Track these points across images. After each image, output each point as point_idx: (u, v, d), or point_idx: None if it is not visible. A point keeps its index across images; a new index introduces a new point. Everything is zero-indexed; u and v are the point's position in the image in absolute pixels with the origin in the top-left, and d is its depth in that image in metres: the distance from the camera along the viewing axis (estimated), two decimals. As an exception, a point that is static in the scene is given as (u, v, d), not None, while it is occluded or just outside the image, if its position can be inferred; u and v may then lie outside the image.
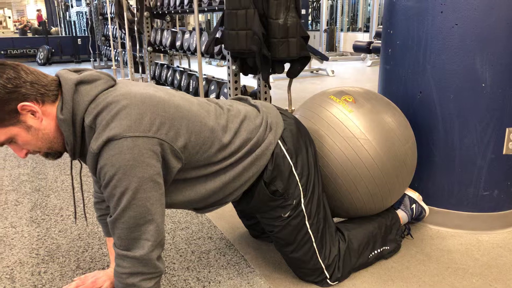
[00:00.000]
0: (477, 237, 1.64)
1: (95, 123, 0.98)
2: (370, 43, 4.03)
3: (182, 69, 4.08)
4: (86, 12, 8.73)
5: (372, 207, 1.45)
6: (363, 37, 8.87)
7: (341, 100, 1.44)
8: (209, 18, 12.30)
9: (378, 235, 1.45)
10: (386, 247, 1.47)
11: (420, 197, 1.64)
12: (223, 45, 2.72)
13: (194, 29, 3.23)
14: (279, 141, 1.22)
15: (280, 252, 1.38)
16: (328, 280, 1.34)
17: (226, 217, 1.85)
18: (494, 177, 1.60)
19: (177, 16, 5.49)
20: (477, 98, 1.53)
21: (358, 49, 4.09)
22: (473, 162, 1.59)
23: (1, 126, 0.97)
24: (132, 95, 1.00)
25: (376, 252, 1.44)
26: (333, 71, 6.63)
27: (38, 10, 19.11)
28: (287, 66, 2.65)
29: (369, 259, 1.42)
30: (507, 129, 1.55)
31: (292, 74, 2.68)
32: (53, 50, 8.81)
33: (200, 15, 12.09)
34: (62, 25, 12.18)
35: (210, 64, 8.57)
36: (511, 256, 1.50)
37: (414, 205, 1.60)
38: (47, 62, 8.60)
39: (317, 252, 1.31)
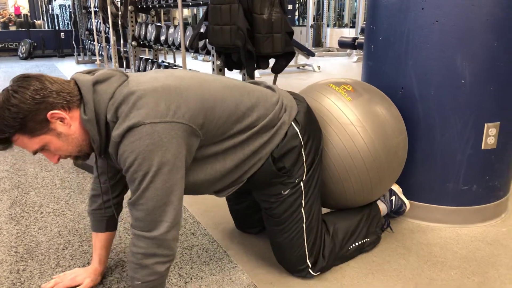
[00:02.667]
0: (457, 230, 1.66)
1: (116, 116, 1.03)
2: (355, 38, 4.04)
3: (167, 63, 4.05)
4: (69, 5, 8.57)
5: (360, 197, 1.46)
6: (349, 33, 8.91)
7: (340, 88, 1.47)
8: (195, 12, 12.19)
9: (360, 227, 1.47)
10: (366, 239, 1.49)
11: (400, 189, 1.66)
12: (207, 40, 2.70)
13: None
14: (292, 123, 1.26)
15: (269, 234, 1.38)
16: (310, 270, 1.35)
17: (210, 213, 1.85)
18: (473, 172, 1.63)
19: (162, 10, 5.43)
20: (457, 94, 1.55)
21: (344, 44, 4.10)
22: (453, 158, 1.62)
23: (34, 135, 1.03)
24: (145, 85, 1.06)
25: (357, 244, 1.45)
26: (319, 67, 6.65)
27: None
28: (272, 61, 2.64)
29: (349, 251, 1.43)
30: (485, 124, 1.58)
31: (277, 70, 2.68)
32: (35, 44, 8.62)
33: (186, 10, 11.98)
34: (45, 19, 11.94)
35: (196, 59, 8.51)
36: (489, 249, 1.53)
37: (393, 197, 1.63)
38: (29, 56, 8.42)
39: (305, 235, 1.31)
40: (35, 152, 1.06)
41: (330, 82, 1.53)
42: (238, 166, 1.20)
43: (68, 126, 1.05)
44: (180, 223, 1.09)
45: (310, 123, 1.31)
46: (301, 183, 1.28)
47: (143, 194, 1.02)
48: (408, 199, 1.67)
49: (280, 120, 1.24)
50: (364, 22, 1.92)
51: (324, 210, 1.52)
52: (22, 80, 1.02)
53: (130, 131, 1.00)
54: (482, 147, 1.60)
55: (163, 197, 1.03)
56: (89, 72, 1.12)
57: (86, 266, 1.41)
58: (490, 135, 1.59)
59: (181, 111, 1.04)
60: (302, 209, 1.30)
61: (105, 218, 1.35)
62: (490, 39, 1.50)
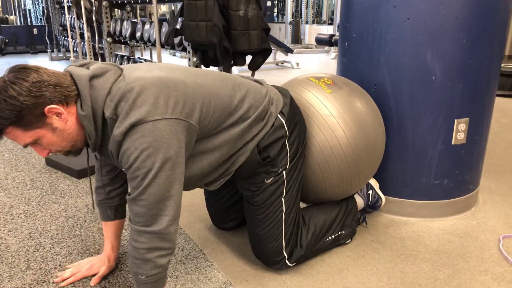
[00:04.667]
0: (429, 224, 1.70)
1: (116, 114, 1.02)
2: (332, 35, 4.07)
3: (143, 60, 3.98)
4: (42, 0, 8.33)
5: (340, 189, 1.48)
6: (327, 30, 8.98)
7: (320, 81, 1.50)
8: (173, 8, 12.04)
9: (337, 221, 1.49)
10: (342, 232, 1.51)
11: (377, 184, 1.69)
12: (183, 36, 2.67)
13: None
14: (278, 115, 1.29)
15: (248, 225, 1.38)
16: (287, 261, 1.36)
17: (185, 212, 1.83)
18: (444, 166, 1.67)
19: (137, 6, 5.34)
20: (428, 91, 1.58)
21: (321, 41, 4.13)
22: (424, 153, 1.65)
23: (29, 129, 1.01)
24: (142, 80, 1.05)
25: (333, 236, 1.47)
26: (297, 64, 6.68)
27: None
28: (248, 58, 2.64)
29: (325, 243, 1.45)
30: (455, 120, 1.61)
31: (253, 67, 2.68)
32: (6, 40, 8.35)
33: (163, 5, 11.81)
34: (17, 14, 11.57)
35: (174, 55, 8.42)
36: (460, 241, 1.58)
37: (370, 191, 1.65)
38: (0, 52, 8.15)
39: (283, 226, 1.33)
40: (26, 146, 1.05)
41: (310, 76, 1.56)
42: (229, 158, 1.23)
43: (65, 121, 1.03)
44: (179, 215, 1.09)
45: (295, 115, 1.34)
46: (284, 172, 1.30)
47: (145, 190, 1.02)
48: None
49: (268, 112, 1.27)
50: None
51: (303, 206, 1.53)
52: (20, 71, 0.98)
53: (132, 129, 0.99)
54: (453, 142, 1.64)
55: (164, 192, 1.03)
56: (82, 65, 1.10)
57: (97, 255, 1.44)
58: (460, 131, 1.63)
59: (179, 107, 1.04)
60: (283, 198, 1.32)
61: (113, 207, 1.37)
62: (459, 37, 1.53)
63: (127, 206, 1.41)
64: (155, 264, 1.07)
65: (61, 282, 1.35)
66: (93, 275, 1.37)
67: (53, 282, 1.35)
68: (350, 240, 1.56)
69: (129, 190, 1.08)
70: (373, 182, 1.68)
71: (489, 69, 1.61)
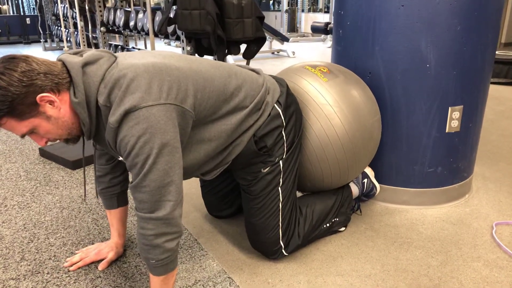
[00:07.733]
0: (422, 211, 1.71)
1: (109, 101, 1.02)
2: (327, 23, 4.04)
3: (137, 50, 3.94)
4: (34, -11, 8.21)
5: (336, 178, 1.48)
6: (323, 18, 8.91)
7: (316, 70, 1.49)
8: (168, -3, 11.89)
9: (333, 210, 1.50)
10: (336, 219, 1.52)
11: (373, 173, 1.69)
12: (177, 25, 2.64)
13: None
14: (275, 104, 1.29)
15: (245, 215, 1.39)
16: (283, 251, 1.37)
17: (181, 201, 1.83)
18: (438, 154, 1.67)
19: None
20: (422, 79, 1.58)
21: (316, 30, 4.10)
22: (419, 141, 1.65)
23: (23, 119, 1.00)
24: (135, 66, 1.04)
25: (328, 224, 1.48)
26: (293, 52, 6.64)
27: None
28: (243, 47, 2.62)
29: (320, 231, 1.46)
30: (450, 108, 1.61)
31: (248, 55, 2.66)
32: (-1, 30, 8.25)
33: (158, -6, 11.66)
34: (10, 3, 11.40)
35: (169, 45, 8.35)
36: (453, 228, 1.59)
37: (365, 180, 1.65)
38: (-7, 43, 8.06)
39: (280, 215, 1.33)
40: (23, 136, 1.05)
41: (306, 65, 1.54)
42: (226, 148, 1.23)
43: (58, 109, 1.03)
44: (182, 200, 1.09)
45: (292, 104, 1.34)
46: (280, 162, 1.31)
47: (145, 176, 1.02)
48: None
49: (264, 102, 1.27)
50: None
51: (299, 195, 1.53)
52: (8, 61, 0.97)
53: (126, 116, 0.99)
54: (447, 130, 1.64)
55: (165, 177, 1.03)
56: (76, 53, 1.10)
57: (107, 241, 1.45)
58: (454, 119, 1.63)
59: (174, 92, 1.04)
60: (279, 188, 1.32)
61: (115, 196, 1.39)
62: (454, 24, 1.52)
63: (129, 193, 1.42)
64: (164, 249, 1.07)
65: (70, 266, 1.38)
66: (101, 260, 1.40)
67: (63, 267, 1.38)
68: (344, 228, 1.57)
69: (130, 178, 1.07)
70: (369, 170, 1.68)
71: (484, 57, 1.61)
